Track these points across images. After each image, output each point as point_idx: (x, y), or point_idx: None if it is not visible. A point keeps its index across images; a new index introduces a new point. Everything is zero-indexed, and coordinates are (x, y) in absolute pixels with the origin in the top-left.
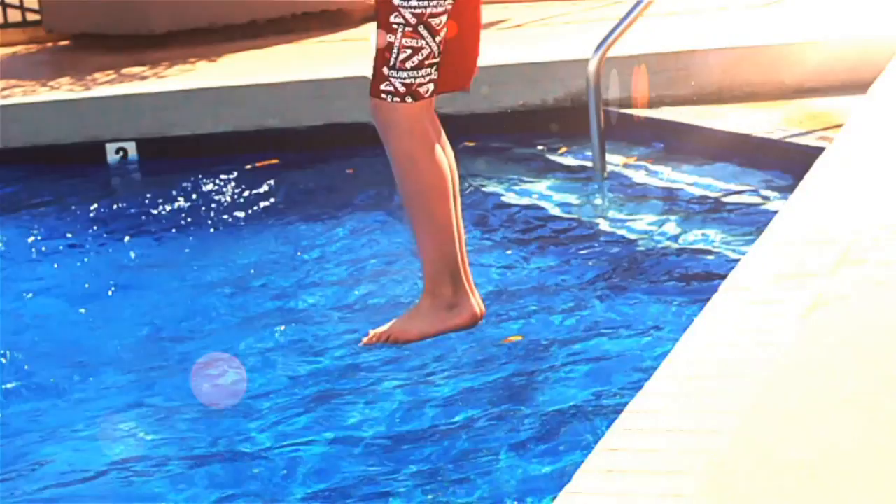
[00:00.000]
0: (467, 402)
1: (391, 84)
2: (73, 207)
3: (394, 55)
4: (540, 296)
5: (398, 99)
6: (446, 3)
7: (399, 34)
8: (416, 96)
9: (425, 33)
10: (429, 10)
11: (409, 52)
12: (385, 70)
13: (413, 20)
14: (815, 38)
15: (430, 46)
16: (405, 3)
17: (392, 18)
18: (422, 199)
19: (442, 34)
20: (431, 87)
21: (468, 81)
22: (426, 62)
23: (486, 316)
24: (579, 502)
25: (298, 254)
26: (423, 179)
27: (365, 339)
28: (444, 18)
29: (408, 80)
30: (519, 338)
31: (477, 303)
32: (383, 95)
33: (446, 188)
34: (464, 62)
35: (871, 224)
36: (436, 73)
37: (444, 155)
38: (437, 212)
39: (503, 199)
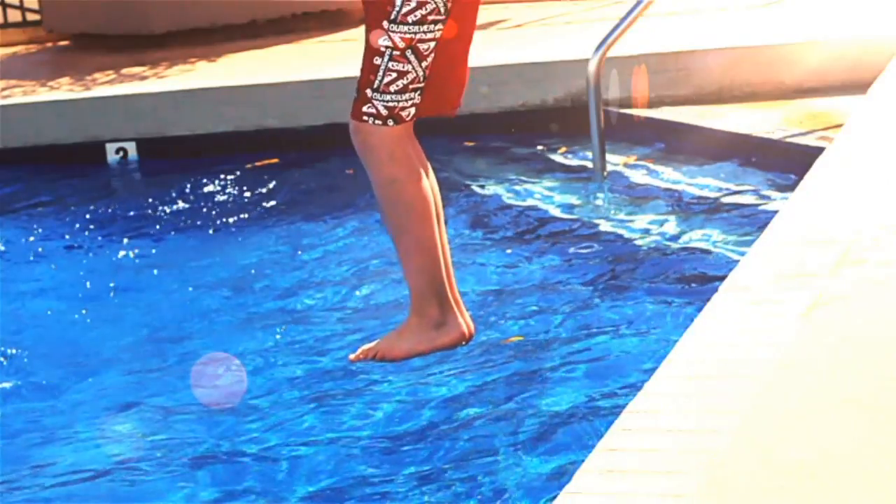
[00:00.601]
0: (467, 402)
1: (373, 107)
2: (73, 207)
3: (378, 78)
4: (540, 296)
5: (380, 122)
6: (436, 29)
7: (386, 57)
8: (398, 120)
9: (412, 58)
10: (418, 36)
11: (394, 75)
12: (368, 92)
13: (402, 44)
14: (815, 38)
15: (415, 71)
16: (395, 28)
17: (380, 41)
18: (405, 221)
19: (429, 59)
20: (413, 111)
21: (454, 106)
22: (410, 86)
23: (480, 325)
24: (579, 502)
25: (299, 253)
26: (406, 201)
27: (353, 356)
28: (432, 45)
29: (391, 104)
30: (519, 338)
31: (465, 322)
32: (365, 118)
33: (429, 209)
34: (450, 84)
35: (871, 224)
36: (419, 97)
37: (426, 176)
38: (421, 233)
39: (503, 199)
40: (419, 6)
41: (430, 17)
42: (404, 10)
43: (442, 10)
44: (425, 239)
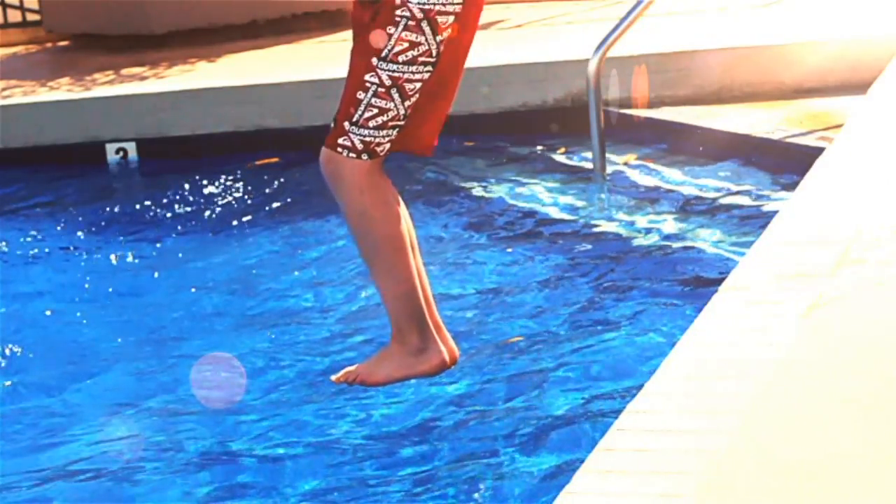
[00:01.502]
0: (467, 401)
1: (349, 139)
2: (73, 208)
3: (358, 112)
4: (540, 296)
5: (353, 155)
6: (425, 70)
7: (369, 93)
8: (372, 154)
9: (396, 96)
10: (405, 76)
11: (375, 111)
12: (346, 125)
13: (388, 82)
14: (815, 38)
15: (397, 109)
16: (384, 65)
17: (367, 77)
18: (379, 253)
19: (413, 99)
20: (388, 146)
21: (429, 145)
22: (390, 123)
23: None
24: (579, 502)
25: (299, 253)
26: (379, 232)
27: (334, 377)
28: (418, 85)
29: (367, 139)
30: (519, 338)
31: (448, 348)
32: (339, 149)
33: (403, 238)
34: (428, 123)
35: (871, 224)
36: (396, 133)
37: (397, 205)
38: (396, 263)
39: (503, 199)
40: (411, 47)
41: (421, 59)
42: (396, 48)
43: (434, 52)
44: (401, 268)
